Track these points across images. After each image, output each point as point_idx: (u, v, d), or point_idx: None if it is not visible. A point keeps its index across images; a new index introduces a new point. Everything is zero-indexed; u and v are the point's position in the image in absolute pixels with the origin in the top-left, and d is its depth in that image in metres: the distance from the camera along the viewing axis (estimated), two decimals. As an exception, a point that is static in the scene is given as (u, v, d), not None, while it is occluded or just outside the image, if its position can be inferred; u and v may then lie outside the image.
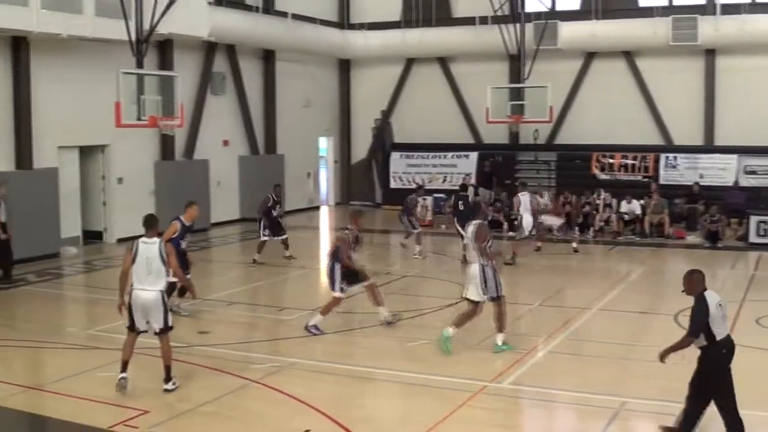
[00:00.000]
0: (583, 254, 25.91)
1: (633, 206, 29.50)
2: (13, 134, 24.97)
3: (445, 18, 38.26)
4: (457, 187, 30.27)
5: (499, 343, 14.99)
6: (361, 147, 41.60)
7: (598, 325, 17.16)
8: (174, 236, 16.92)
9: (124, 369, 12.75)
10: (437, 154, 37.85)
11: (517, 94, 33.98)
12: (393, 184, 37.88)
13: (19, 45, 24.65)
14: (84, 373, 13.83)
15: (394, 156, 38.89)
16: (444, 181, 37.03)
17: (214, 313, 18.33)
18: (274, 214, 24.80)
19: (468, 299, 15.10)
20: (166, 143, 30.09)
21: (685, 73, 34.43)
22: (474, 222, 15.49)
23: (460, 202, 25.21)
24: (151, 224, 13.14)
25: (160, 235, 13.31)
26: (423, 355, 15.09)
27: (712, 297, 10.33)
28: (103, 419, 11.55)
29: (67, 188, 26.60)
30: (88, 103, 26.54)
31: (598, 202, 29.87)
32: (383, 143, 40.08)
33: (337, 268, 16.46)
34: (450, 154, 37.56)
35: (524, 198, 24.67)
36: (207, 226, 31.14)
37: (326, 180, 41.75)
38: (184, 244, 17.48)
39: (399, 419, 11.96)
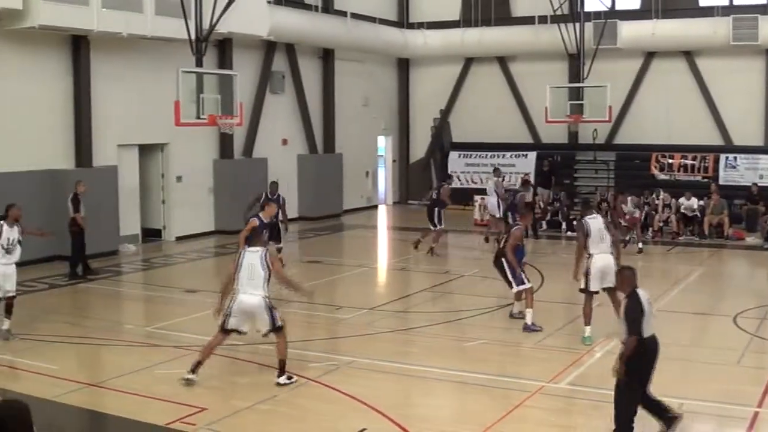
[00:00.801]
0: (643, 255, 25.61)
1: (691, 203, 29.11)
2: (73, 132, 25.20)
3: (504, 17, 38.04)
4: (516, 187, 30.29)
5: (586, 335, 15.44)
6: (420, 146, 41.51)
7: (657, 326, 16.85)
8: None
9: (195, 370, 12.95)
10: (495, 153, 37.64)
11: (576, 94, 33.75)
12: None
13: (80, 44, 24.87)
14: (142, 370, 13.90)
15: (453, 155, 38.77)
16: (502, 180, 36.81)
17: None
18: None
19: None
20: (225, 142, 30.21)
21: (745, 73, 33.95)
22: (595, 217, 16.07)
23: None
24: (258, 237, 14.18)
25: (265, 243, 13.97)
26: (480, 354, 15.01)
27: (643, 294, 10.36)
28: (161, 416, 11.57)
29: (127, 186, 26.80)
30: (148, 101, 26.73)
31: (657, 202, 29.54)
32: (442, 143, 39.98)
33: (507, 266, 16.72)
34: (508, 153, 37.37)
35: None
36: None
37: (384, 179, 41.71)
38: None
39: (455, 418, 11.88)
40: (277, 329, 13.11)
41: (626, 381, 10.16)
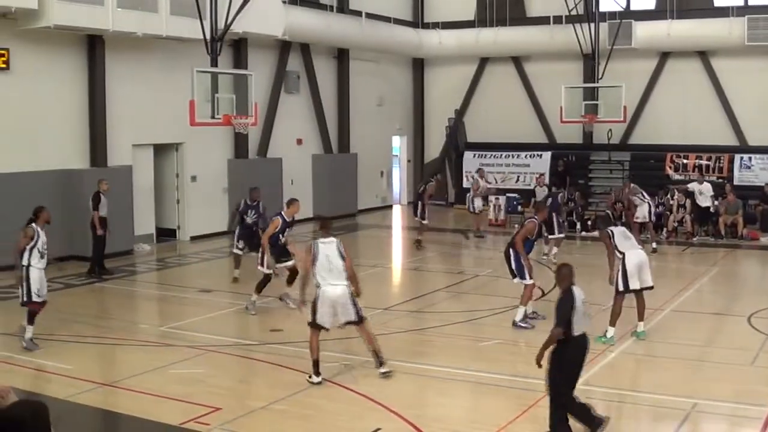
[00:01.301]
0: (657, 254, 25.52)
1: (704, 187, 28.91)
2: (88, 132, 25.25)
3: (519, 17, 37.99)
4: (531, 187, 30.30)
5: (639, 330, 15.66)
6: (435, 146, 41.49)
7: (671, 326, 16.86)
8: (276, 231, 17.58)
9: (317, 370, 13.05)
10: (510, 153, 37.62)
11: (591, 94, 33.71)
12: (466, 184, 37.59)
13: (95, 44, 24.92)
14: (156, 370, 13.91)
15: (467, 155, 38.72)
16: (517, 180, 36.84)
17: (287, 311, 18.32)
18: (248, 220, 21.43)
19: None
20: (240, 142, 30.22)
21: (760, 73, 33.75)
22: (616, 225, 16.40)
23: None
24: (327, 225, 13.88)
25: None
26: (494, 354, 15.00)
27: (578, 292, 10.49)
28: (175, 416, 11.57)
29: (142, 186, 26.85)
30: (163, 101, 26.78)
31: (671, 202, 29.42)
32: (456, 142, 39.95)
33: (513, 256, 16.87)
34: (523, 153, 37.32)
35: None
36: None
37: (399, 179, 41.67)
38: (283, 239, 17.94)
39: (469, 419, 11.86)
40: (360, 320, 13.31)
41: (554, 377, 10.35)
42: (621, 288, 15.49)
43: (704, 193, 28.77)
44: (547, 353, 10.39)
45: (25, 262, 15.21)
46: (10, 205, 22.58)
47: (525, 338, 16.06)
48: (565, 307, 10.32)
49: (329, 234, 13.51)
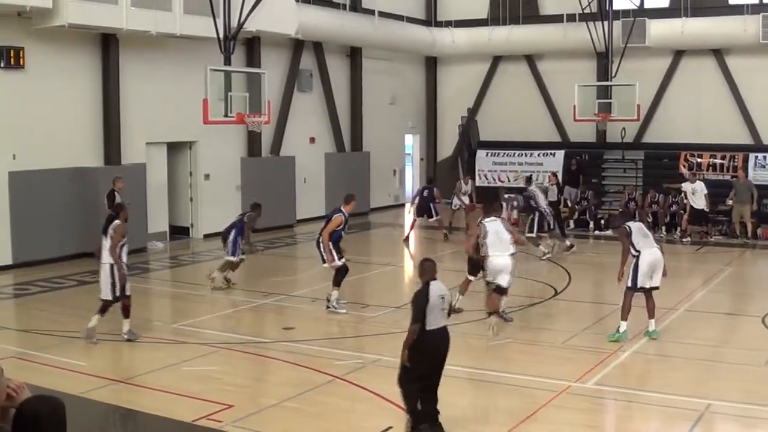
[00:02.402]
0: (670, 254, 25.43)
1: (698, 186, 27.95)
2: (101, 130, 25.34)
3: (532, 15, 37.95)
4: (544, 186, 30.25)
5: (650, 329, 15.72)
6: (447, 145, 41.48)
7: (684, 326, 16.86)
8: (338, 228, 18.02)
9: (501, 314, 16.22)
10: (523, 152, 37.52)
11: (604, 93, 33.64)
12: (479, 182, 37.50)
13: (109, 42, 25.00)
14: (169, 367, 13.98)
15: (480, 154, 38.63)
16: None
17: (299, 309, 18.39)
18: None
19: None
20: (253, 140, 30.29)
21: (775, 71, 33.77)
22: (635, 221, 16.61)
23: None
24: (491, 209, 16.83)
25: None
26: (506, 354, 15.02)
27: (436, 287, 10.66)
28: (188, 413, 11.63)
29: (155, 184, 26.93)
30: (176, 99, 26.85)
31: (685, 201, 29.28)
32: (469, 141, 39.91)
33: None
34: (536, 152, 37.19)
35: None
36: (293, 223, 31.32)
37: (412, 177, 41.65)
38: (345, 234, 18.63)
39: (481, 418, 11.88)
40: (506, 288, 16.12)
41: (406, 368, 10.52)
42: (630, 284, 15.53)
43: (697, 192, 27.96)
44: None
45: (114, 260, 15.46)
46: (26, 203, 22.77)
47: (537, 338, 16.11)
48: (419, 303, 10.48)
49: (492, 215, 16.42)
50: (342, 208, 18.29)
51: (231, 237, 20.30)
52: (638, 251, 15.49)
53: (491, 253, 15.89)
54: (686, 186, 28.31)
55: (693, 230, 28.26)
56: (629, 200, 29.66)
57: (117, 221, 15.66)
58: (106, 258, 15.43)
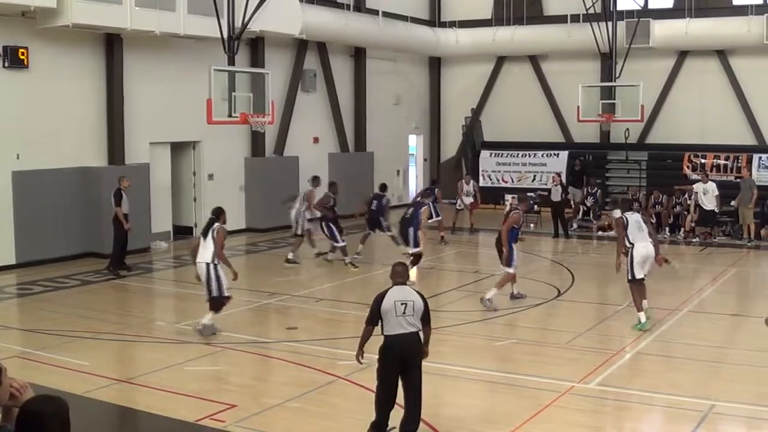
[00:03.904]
0: (674, 255, 25.48)
1: (709, 186, 27.94)
2: (105, 130, 25.35)
3: (536, 16, 37.94)
4: (547, 186, 30.23)
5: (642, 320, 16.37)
6: (451, 145, 41.46)
7: (688, 327, 16.84)
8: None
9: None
10: (527, 152, 37.55)
11: (608, 93, 33.60)
12: (482, 183, 37.48)
13: (113, 42, 25.01)
14: (172, 367, 13.97)
15: (484, 154, 38.66)
16: (533, 180, 36.82)
17: (302, 309, 18.39)
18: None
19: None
20: (257, 140, 30.29)
21: (779, 71, 33.73)
22: (633, 213, 17.29)
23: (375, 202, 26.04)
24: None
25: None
26: (510, 354, 15.01)
27: (396, 293, 10.63)
28: (191, 413, 11.63)
29: (159, 184, 26.93)
30: (180, 99, 26.85)
31: (689, 202, 29.24)
32: (473, 141, 39.90)
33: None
34: (540, 152, 37.20)
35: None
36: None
37: (415, 178, 41.64)
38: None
39: (484, 418, 11.84)
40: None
41: (378, 371, 10.63)
42: (630, 277, 16.43)
43: (709, 193, 27.89)
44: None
45: (215, 260, 15.90)
46: (29, 202, 22.78)
47: (541, 338, 16.11)
48: (372, 305, 10.67)
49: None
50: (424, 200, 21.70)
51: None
52: (632, 243, 16.45)
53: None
54: (698, 186, 28.31)
55: (699, 231, 28.19)
56: (633, 201, 29.64)
57: (217, 224, 16.20)
58: (203, 257, 15.90)
